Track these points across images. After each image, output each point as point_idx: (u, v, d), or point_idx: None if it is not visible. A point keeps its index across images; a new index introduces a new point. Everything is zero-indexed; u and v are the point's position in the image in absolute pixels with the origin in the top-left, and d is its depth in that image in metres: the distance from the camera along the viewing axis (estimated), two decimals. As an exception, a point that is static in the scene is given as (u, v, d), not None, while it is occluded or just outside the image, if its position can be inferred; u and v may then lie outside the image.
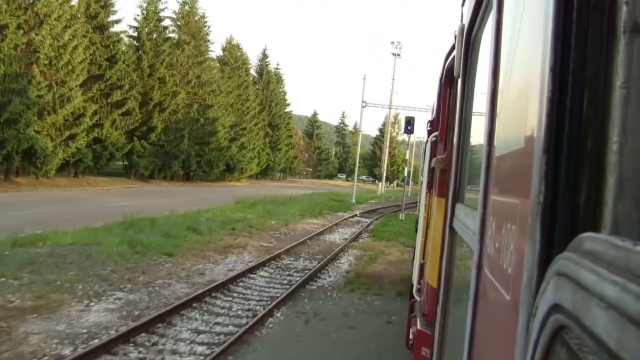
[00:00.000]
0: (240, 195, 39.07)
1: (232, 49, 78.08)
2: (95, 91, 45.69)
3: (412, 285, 7.01)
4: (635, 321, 0.44)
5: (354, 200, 47.58)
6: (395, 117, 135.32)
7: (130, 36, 55.16)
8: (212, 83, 65.20)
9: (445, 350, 2.55)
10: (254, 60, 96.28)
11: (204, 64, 64.23)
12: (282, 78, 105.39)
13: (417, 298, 6.12)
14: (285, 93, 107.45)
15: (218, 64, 73.07)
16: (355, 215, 37.46)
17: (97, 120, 45.59)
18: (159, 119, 55.41)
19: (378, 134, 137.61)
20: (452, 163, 2.70)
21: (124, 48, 51.48)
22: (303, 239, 22.25)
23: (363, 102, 52.70)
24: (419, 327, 5.29)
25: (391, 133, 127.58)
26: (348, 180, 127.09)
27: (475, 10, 2.25)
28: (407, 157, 45.44)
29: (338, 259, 19.11)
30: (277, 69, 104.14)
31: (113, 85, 47.48)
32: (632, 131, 0.71)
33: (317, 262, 17.67)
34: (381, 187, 77.77)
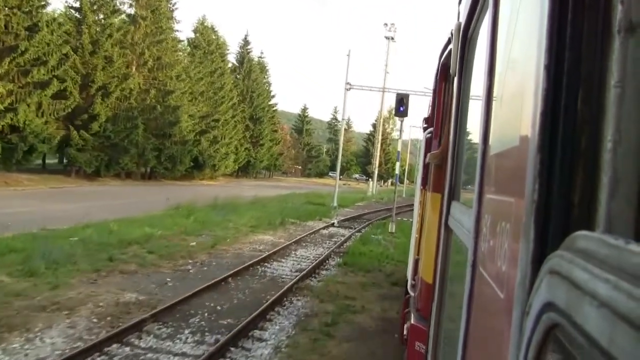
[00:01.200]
0: (201, 196, 31.83)
1: (204, 31, 68.96)
2: (8, 66, 35.77)
3: (407, 280, 7.03)
4: (626, 319, 0.44)
5: (335, 204, 39.22)
6: (390, 111, 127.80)
7: (72, 7, 45.92)
8: (174, 66, 55.63)
9: (440, 346, 2.55)
10: (234, 47, 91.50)
11: (163, 43, 54.40)
12: (266, 67, 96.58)
13: (412, 294, 6.14)
14: (269, 84, 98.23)
15: (188, 47, 65.76)
16: (332, 224, 28.51)
17: (11, 104, 35.87)
18: (103, 105, 45.70)
19: (371, 129, 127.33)
20: (447, 161, 2.70)
21: (57, 16, 42.49)
22: (223, 276, 13.10)
23: (347, 84, 41.11)
24: (413, 322, 5.31)
25: (385, 129, 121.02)
26: (340, 179, 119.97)
27: (471, 9, 2.25)
28: (399, 149, 34.75)
29: (259, 332, 9.74)
30: (260, 57, 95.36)
31: (37, 60, 37.72)
32: (627, 130, 0.71)
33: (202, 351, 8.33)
34: (372, 186, 70.18)
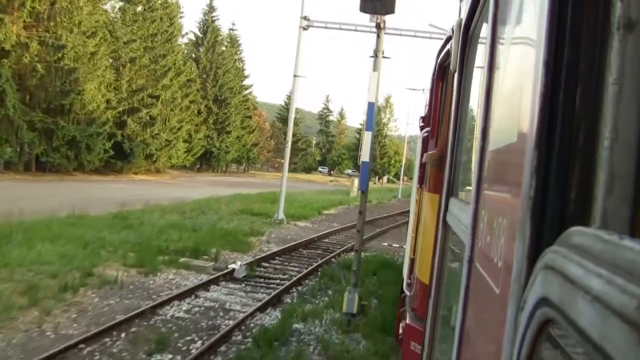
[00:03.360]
0: (72, 201, 23.22)
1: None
2: None
3: (403, 279, 7.04)
4: (619, 313, 0.45)
5: (280, 215, 26.20)
6: (387, 100, 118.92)
7: None
8: (72, 12, 40.61)
9: (436, 343, 2.56)
10: (198, 15, 75.27)
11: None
12: (238, 42, 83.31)
13: (407, 293, 6.15)
14: (242, 61, 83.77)
15: (119, 2, 52.52)
16: (231, 274, 14.32)
17: None
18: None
19: (365, 118, 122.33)
20: (446, 157, 2.70)
21: None
22: None
23: (303, 18, 26.24)
24: (408, 321, 5.32)
25: (380, 118, 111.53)
26: (330, 175, 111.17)
27: (473, 6, 2.25)
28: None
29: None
30: (232, 29, 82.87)
31: None
32: (623, 128, 0.71)
33: None
34: (357, 186, 49.62)
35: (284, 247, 19.23)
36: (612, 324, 0.46)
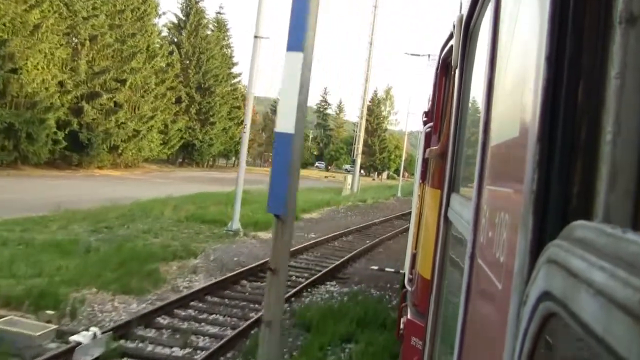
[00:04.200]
0: None
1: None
2: None
3: (404, 274, 7.04)
4: (622, 306, 0.45)
5: (235, 224, 19.96)
6: (387, 91, 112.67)
7: None
8: None
9: (437, 338, 2.56)
10: None
11: None
12: (226, 26, 76.44)
13: (409, 288, 6.15)
14: (230, 47, 76.70)
15: None
16: None
17: None
18: None
19: (365, 112, 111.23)
20: (448, 153, 2.71)
21: None
22: None
23: None
24: (409, 317, 5.31)
25: (380, 111, 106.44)
26: (328, 170, 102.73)
27: (474, 1, 2.25)
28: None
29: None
30: (219, 12, 76.16)
31: None
32: (626, 122, 0.71)
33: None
34: (350, 182, 48.23)
35: (218, 279, 12.27)
36: (615, 317, 0.46)
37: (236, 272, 13.06)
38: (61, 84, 41.37)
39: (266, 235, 18.80)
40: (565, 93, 0.85)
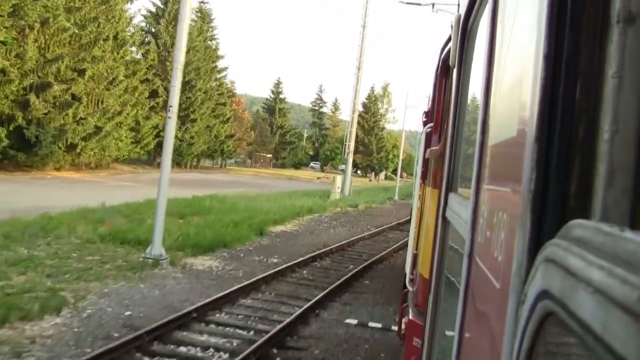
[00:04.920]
0: None
1: None
2: None
3: (405, 275, 7.05)
4: (620, 304, 0.45)
5: (157, 249, 13.57)
6: (385, 88, 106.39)
7: None
8: None
9: (436, 337, 2.57)
10: None
11: None
12: (210, 16, 70.75)
13: (410, 288, 6.16)
14: (215, 39, 71.40)
15: None
16: None
17: None
18: None
19: (361, 109, 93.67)
20: (445, 152, 2.71)
21: None
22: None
23: None
24: (411, 317, 5.32)
25: (378, 109, 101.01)
26: (323, 171, 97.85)
27: (471, 0, 2.25)
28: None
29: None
30: (202, 2, 69.41)
31: None
32: (624, 121, 0.71)
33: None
34: (340, 184, 41.36)
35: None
36: (614, 315, 0.46)
37: (107, 348, 7.27)
38: (3, 72, 35.68)
39: (204, 262, 14.09)
40: (563, 92, 0.85)
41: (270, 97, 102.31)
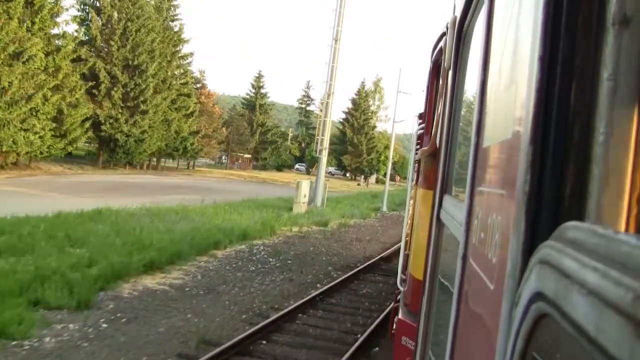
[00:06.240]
0: None
1: None
2: None
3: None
4: (614, 306, 0.45)
5: None
6: (376, 83, 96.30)
7: None
8: None
9: (430, 339, 2.57)
10: None
11: None
12: None
13: (401, 288, 6.17)
14: (177, 20, 61.69)
15: None
16: None
17: None
18: None
19: (351, 106, 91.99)
20: (440, 154, 2.71)
21: None
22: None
23: None
24: (400, 316, 5.33)
25: (369, 105, 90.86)
26: (309, 173, 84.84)
27: (467, 2, 2.26)
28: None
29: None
30: None
31: None
32: (618, 123, 0.72)
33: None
34: (306, 193, 30.51)
35: None
36: (607, 316, 0.46)
37: None
38: None
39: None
40: (558, 94, 0.85)
41: (251, 92, 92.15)
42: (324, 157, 35.70)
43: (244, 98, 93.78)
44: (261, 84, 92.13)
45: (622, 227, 0.68)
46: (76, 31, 45.14)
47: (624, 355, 0.43)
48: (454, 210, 2.04)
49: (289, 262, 16.23)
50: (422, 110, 8.44)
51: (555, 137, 0.85)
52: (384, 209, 39.45)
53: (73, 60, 43.72)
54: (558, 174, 0.84)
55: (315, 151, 36.27)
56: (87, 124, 46.51)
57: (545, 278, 0.64)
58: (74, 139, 45.50)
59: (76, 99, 43.66)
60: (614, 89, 0.73)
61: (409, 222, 6.58)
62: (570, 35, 0.85)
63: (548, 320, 0.65)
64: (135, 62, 51.21)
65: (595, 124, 0.78)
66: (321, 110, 40.63)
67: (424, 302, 2.70)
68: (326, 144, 35.58)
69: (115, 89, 49.97)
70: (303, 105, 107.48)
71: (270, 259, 16.32)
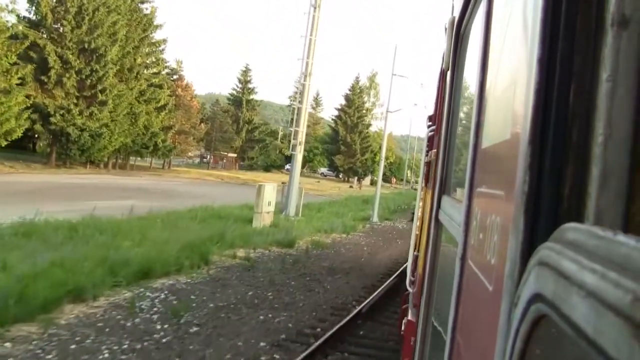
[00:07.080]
0: None
1: None
2: None
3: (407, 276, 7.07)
4: (613, 308, 0.45)
5: None
6: (372, 78, 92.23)
7: None
8: None
9: (428, 338, 2.57)
10: None
11: None
12: None
13: (410, 290, 6.18)
14: (148, 2, 55.23)
15: None
16: None
17: None
18: None
19: (344, 103, 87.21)
20: (438, 155, 2.71)
21: None
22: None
23: None
24: (409, 317, 5.34)
25: (363, 102, 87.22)
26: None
27: (465, 3, 2.26)
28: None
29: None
30: None
31: None
32: (617, 124, 0.72)
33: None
34: (271, 200, 22.16)
35: None
36: (606, 318, 0.46)
37: None
38: None
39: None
40: (557, 95, 0.85)
41: (237, 86, 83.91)
42: (299, 154, 28.73)
43: (229, 94, 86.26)
44: (248, 79, 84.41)
45: (621, 229, 0.68)
46: (11, 2, 38.76)
47: (623, 357, 0.43)
48: (452, 211, 2.04)
49: (191, 332, 8.81)
50: (426, 111, 8.44)
51: (554, 137, 0.85)
52: (375, 218, 31.75)
53: (11, 38, 37.95)
54: (557, 175, 0.84)
55: (288, 147, 29.55)
56: (26, 115, 40.18)
57: (544, 279, 0.64)
58: (8, 131, 38.63)
59: (10, 85, 37.45)
60: (613, 90, 0.73)
61: (418, 223, 6.60)
62: (569, 36, 0.85)
63: (547, 321, 0.64)
64: (93, 46, 44.75)
65: (594, 124, 0.78)
66: (296, 97, 32.20)
67: (423, 302, 2.70)
68: (301, 137, 28.70)
69: (67, 75, 43.55)
70: (294, 102, 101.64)
71: (159, 326, 8.88)
